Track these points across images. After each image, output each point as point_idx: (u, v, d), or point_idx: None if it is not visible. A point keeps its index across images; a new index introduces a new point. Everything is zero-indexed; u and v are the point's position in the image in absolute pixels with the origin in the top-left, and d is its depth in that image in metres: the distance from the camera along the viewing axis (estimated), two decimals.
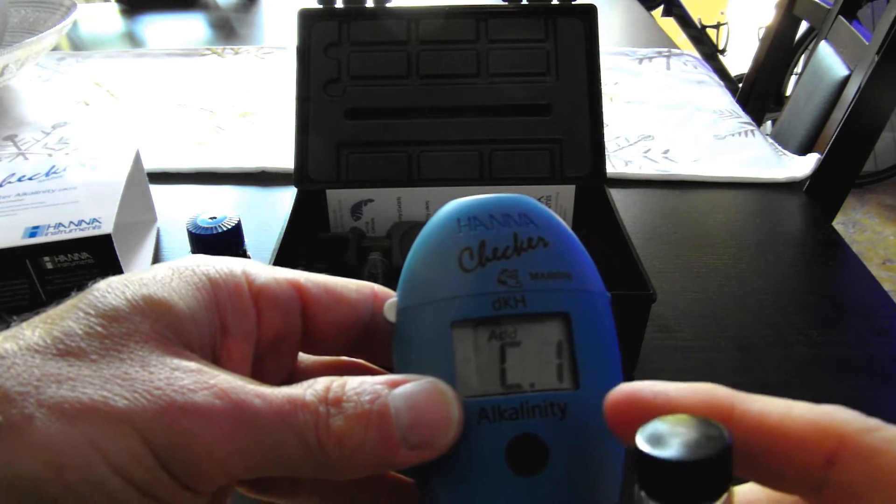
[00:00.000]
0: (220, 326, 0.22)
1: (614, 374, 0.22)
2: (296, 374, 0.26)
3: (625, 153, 0.78)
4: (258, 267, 0.24)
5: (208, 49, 1.06)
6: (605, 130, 0.56)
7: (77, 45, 1.13)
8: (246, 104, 0.90)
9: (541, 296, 0.22)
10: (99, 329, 0.19)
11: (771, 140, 0.82)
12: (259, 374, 0.23)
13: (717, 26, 2.28)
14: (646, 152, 0.79)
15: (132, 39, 1.17)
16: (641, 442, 0.17)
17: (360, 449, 0.19)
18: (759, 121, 1.22)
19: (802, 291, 0.60)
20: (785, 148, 0.82)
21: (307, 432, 0.19)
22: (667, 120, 0.85)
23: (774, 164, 0.76)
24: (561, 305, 0.22)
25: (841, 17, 1.03)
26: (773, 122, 1.63)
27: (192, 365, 0.20)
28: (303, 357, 0.26)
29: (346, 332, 0.25)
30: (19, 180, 0.58)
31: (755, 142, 0.81)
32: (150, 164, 0.69)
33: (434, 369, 0.21)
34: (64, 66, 1.01)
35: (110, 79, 0.97)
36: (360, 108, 0.56)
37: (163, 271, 0.22)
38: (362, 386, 0.20)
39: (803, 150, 0.90)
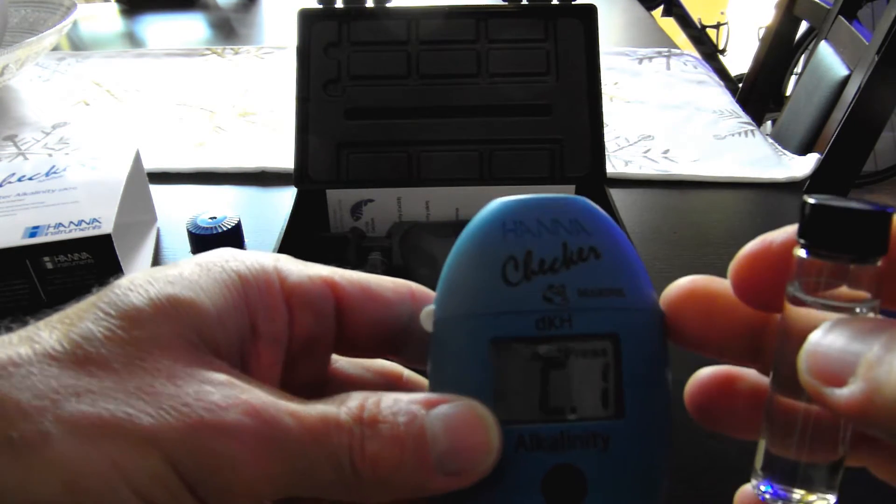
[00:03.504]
0: (249, 328, 0.21)
1: (661, 401, 0.21)
2: (329, 378, 0.25)
3: (625, 153, 0.78)
4: (290, 263, 0.22)
5: (208, 49, 1.06)
6: (605, 130, 0.56)
7: (77, 45, 1.13)
8: (246, 104, 0.90)
9: (589, 315, 0.20)
10: (120, 333, 0.18)
11: (771, 140, 0.82)
12: (290, 377, 0.22)
13: (717, 26, 2.28)
14: (646, 152, 0.78)
15: (132, 39, 1.17)
16: (811, 198, 0.17)
17: (394, 473, 0.18)
18: (759, 121, 1.23)
19: None
20: (785, 148, 0.82)
21: (341, 454, 0.18)
22: (667, 120, 0.85)
23: (774, 164, 0.76)
24: (610, 326, 0.20)
25: (841, 17, 1.03)
26: (773, 122, 1.63)
27: (221, 377, 0.18)
28: (336, 358, 0.25)
29: (382, 333, 0.23)
30: (19, 180, 0.58)
31: (755, 142, 0.81)
32: (150, 164, 0.69)
33: (471, 389, 0.20)
34: (64, 66, 1.01)
35: (110, 79, 0.97)
36: (360, 108, 0.55)
37: (190, 267, 0.20)
38: (398, 405, 0.19)
39: (803, 150, 0.90)
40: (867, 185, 2.33)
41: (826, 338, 0.16)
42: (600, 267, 0.21)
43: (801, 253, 0.17)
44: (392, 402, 0.19)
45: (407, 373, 0.26)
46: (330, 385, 0.24)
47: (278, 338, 0.21)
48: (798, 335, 0.17)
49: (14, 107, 0.90)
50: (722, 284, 0.20)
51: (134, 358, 0.18)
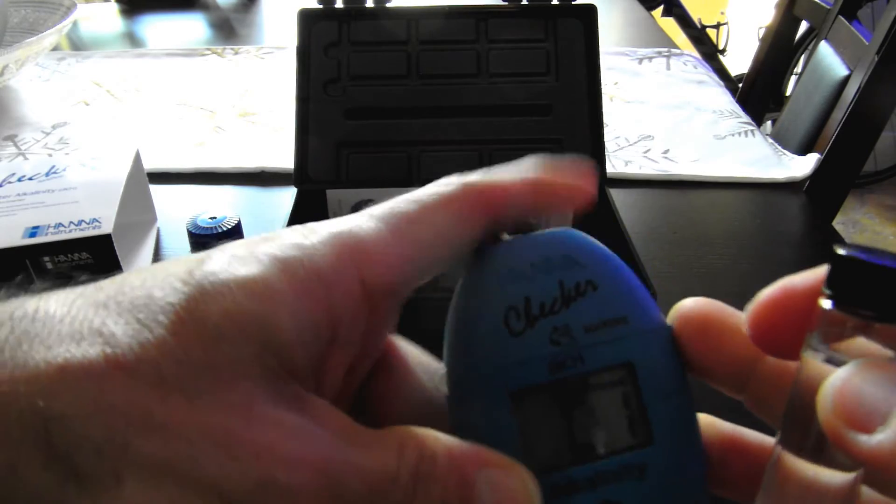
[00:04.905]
0: (328, 339, 0.19)
1: (686, 419, 0.21)
2: (384, 354, 0.24)
3: (625, 153, 0.78)
4: (366, 248, 0.20)
5: (208, 49, 1.06)
6: (605, 130, 0.56)
7: (77, 45, 1.13)
8: (246, 104, 0.90)
9: (598, 349, 0.20)
10: (199, 353, 0.17)
11: (771, 140, 0.82)
12: (351, 368, 0.21)
13: (717, 26, 2.29)
14: (646, 152, 0.79)
15: (132, 39, 1.17)
16: (841, 249, 0.16)
17: None
18: (759, 121, 1.23)
19: None
20: (785, 148, 0.82)
21: None
22: (667, 120, 0.85)
23: (774, 164, 0.76)
24: (621, 355, 0.20)
25: (841, 17, 1.03)
26: (773, 122, 1.63)
27: (296, 420, 0.18)
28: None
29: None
30: (19, 180, 0.58)
31: (755, 142, 0.81)
32: (150, 164, 0.69)
33: (498, 445, 0.20)
34: (64, 66, 1.01)
35: (110, 79, 0.97)
36: (360, 108, 0.56)
37: (270, 269, 0.19)
38: (447, 459, 0.19)
39: (803, 150, 0.90)
40: (867, 185, 2.33)
41: (854, 378, 0.16)
42: (599, 298, 0.20)
43: (826, 304, 0.17)
44: (444, 456, 0.19)
45: None
46: (384, 365, 0.23)
47: (351, 345, 0.20)
48: (815, 386, 0.16)
49: (14, 107, 0.90)
50: (722, 309, 0.21)
51: (211, 388, 0.17)
